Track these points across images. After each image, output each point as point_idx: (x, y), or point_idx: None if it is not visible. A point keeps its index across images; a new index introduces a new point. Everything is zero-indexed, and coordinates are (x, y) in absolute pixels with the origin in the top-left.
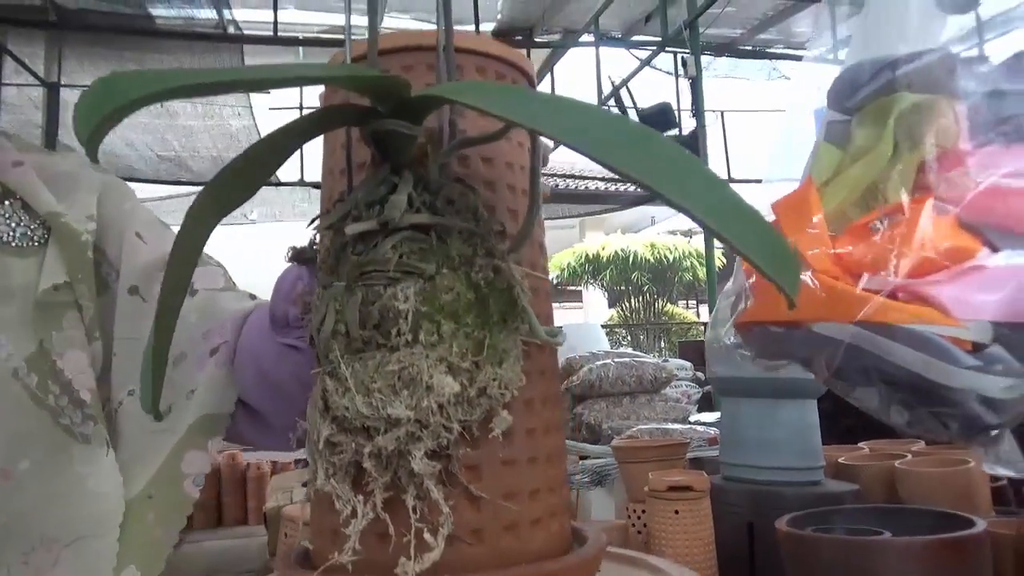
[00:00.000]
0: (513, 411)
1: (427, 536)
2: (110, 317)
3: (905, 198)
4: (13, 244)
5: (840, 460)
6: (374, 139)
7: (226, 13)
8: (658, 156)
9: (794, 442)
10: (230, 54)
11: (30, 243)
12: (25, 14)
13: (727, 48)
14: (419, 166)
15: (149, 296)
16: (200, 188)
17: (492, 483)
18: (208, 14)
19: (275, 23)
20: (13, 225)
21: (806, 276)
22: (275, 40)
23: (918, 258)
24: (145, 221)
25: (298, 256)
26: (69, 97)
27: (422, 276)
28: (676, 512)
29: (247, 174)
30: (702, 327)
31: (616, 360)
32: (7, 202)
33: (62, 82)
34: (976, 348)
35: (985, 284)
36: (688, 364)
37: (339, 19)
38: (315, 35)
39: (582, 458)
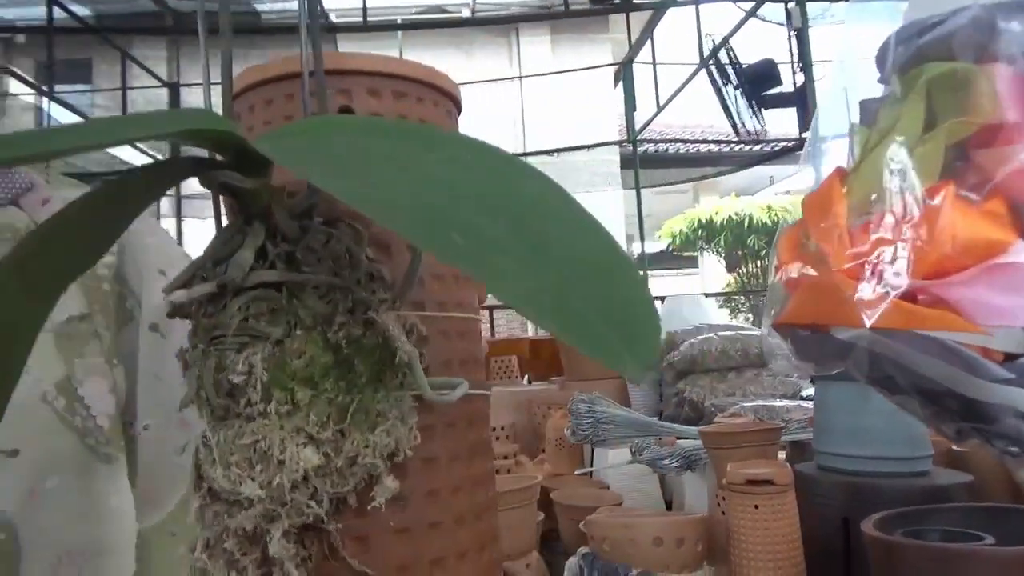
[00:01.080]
0: (408, 473)
1: None
2: (135, 348)
3: (921, 185)
4: None
5: (954, 447)
6: (224, 190)
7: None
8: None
9: (892, 429)
10: (324, 44)
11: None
12: (145, 21)
13: None
14: (273, 216)
15: (168, 333)
16: None
17: (381, 555)
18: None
19: (364, 9)
20: None
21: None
22: (366, 27)
23: (938, 254)
24: (169, 257)
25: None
26: (188, 97)
27: (269, 341)
28: (756, 507)
29: (93, 232)
30: None
31: (720, 333)
32: None
33: (181, 82)
34: (1010, 358)
35: (1016, 284)
36: None
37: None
38: (412, 17)
39: (679, 439)
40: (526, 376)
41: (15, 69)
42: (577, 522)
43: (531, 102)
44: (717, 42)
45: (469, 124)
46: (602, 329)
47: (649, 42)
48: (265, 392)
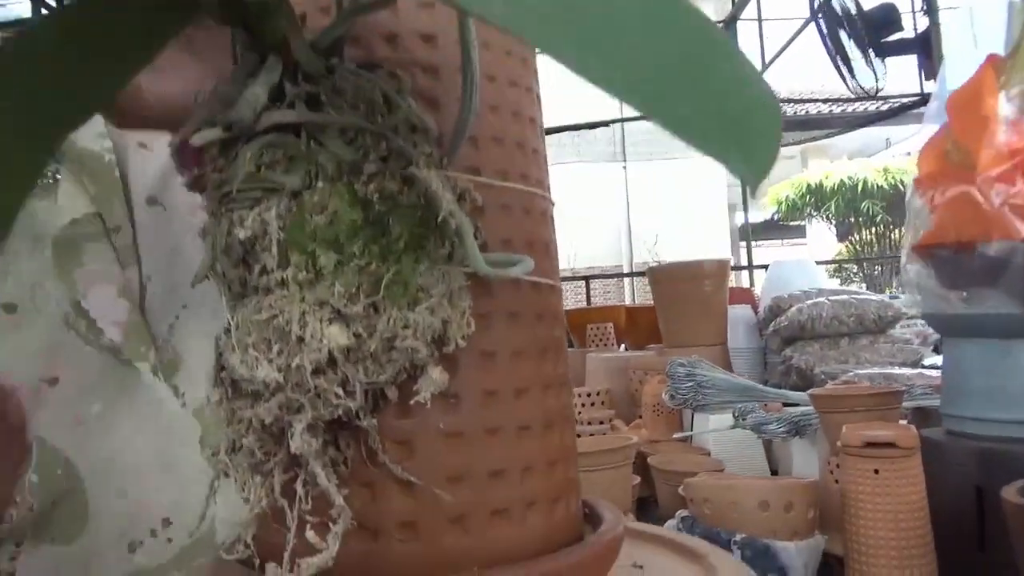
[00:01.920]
0: (460, 367)
1: (309, 535)
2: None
3: None
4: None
5: None
6: (232, 14)
7: None
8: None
9: None
10: None
11: (46, 180)
12: None
13: None
14: (292, 51)
15: (170, 204)
16: None
17: (428, 463)
18: None
19: None
20: None
21: (970, 188)
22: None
23: None
24: (144, 131)
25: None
26: None
27: (284, 193)
28: (876, 472)
29: (81, 69)
30: None
31: (831, 298)
32: None
33: None
34: None
35: None
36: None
37: None
38: None
39: (786, 405)
40: (623, 344)
41: None
42: (675, 487)
43: None
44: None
45: (560, 94)
46: (711, 117)
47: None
48: (282, 256)
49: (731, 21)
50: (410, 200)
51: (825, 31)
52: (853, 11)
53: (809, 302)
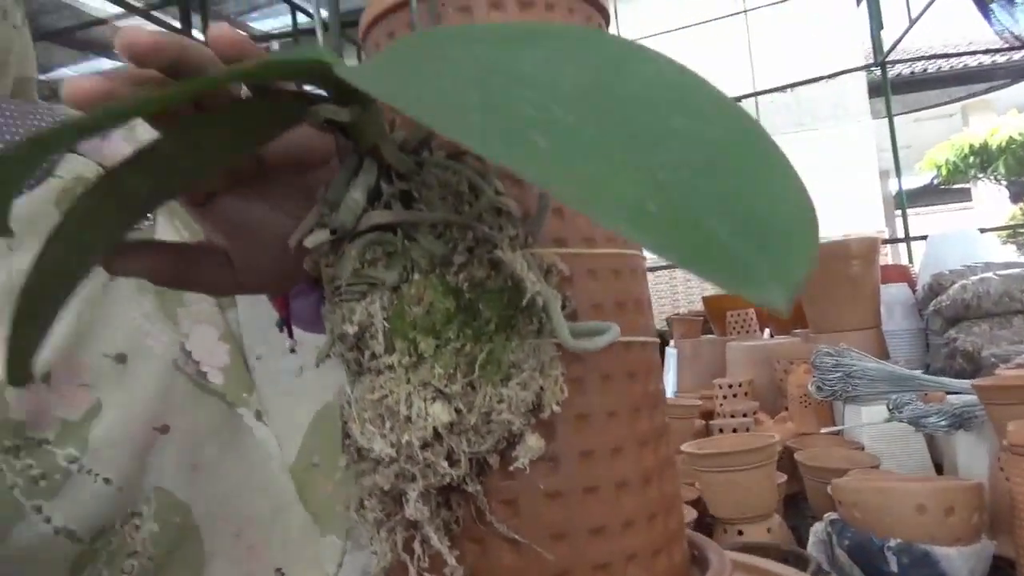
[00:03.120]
0: (557, 431)
1: None
2: None
3: None
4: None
5: None
6: (332, 128)
7: None
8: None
9: None
10: None
11: (146, 221)
12: None
13: None
14: (383, 152)
15: None
16: None
17: (533, 521)
18: None
19: None
20: None
21: None
22: None
23: None
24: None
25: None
26: None
27: (385, 287)
28: None
29: (184, 158)
30: None
31: (1000, 272)
32: None
33: None
34: None
35: None
36: None
37: None
38: None
39: (948, 394)
40: (766, 330)
41: None
42: (825, 485)
43: (759, 36)
44: None
45: (696, 68)
46: (729, 244)
47: None
48: (387, 343)
49: None
50: (497, 284)
51: None
52: None
53: (975, 278)
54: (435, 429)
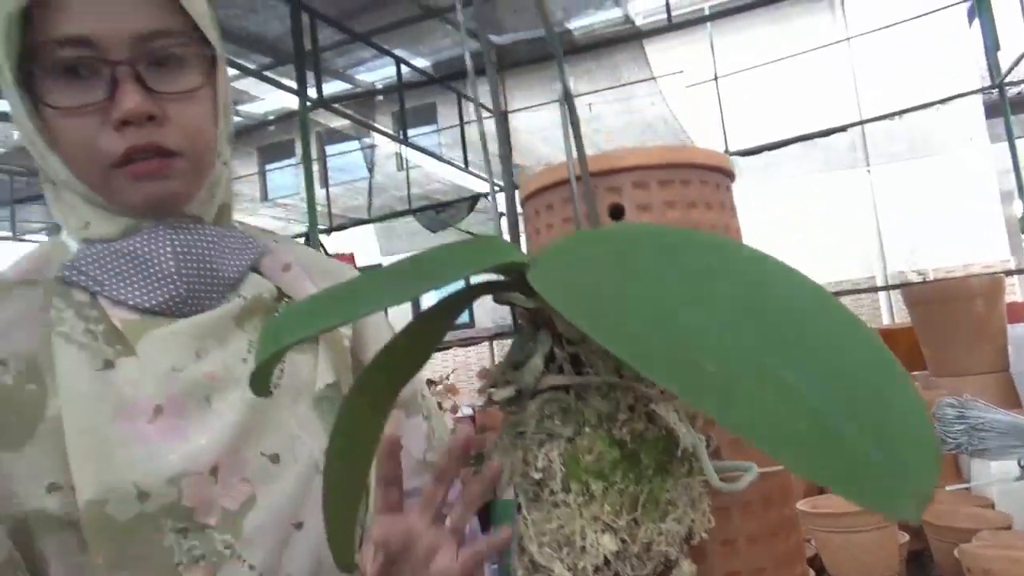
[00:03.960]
0: (706, 555)
1: None
2: None
3: None
4: None
5: None
6: (515, 306)
7: (629, 7)
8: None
9: None
10: (633, 52)
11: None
12: (473, 62)
13: None
14: (556, 324)
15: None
16: None
17: None
18: (614, 13)
19: (667, 4)
20: None
21: None
22: (671, 27)
23: None
24: (390, 331)
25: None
26: (515, 121)
27: (562, 438)
28: None
29: (413, 351)
30: None
31: None
32: (283, 302)
33: (508, 110)
34: None
35: None
36: None
37: None
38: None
39: None
40: None
41: (377, 125)
42: (952, 546)
43: (863, 63)
44: None
45: (792, 101)
46: (872, 469)
47: None
48: (564, 483)
49: None
50: (654, 434)
51: None
52: None
53: None
54: (605, 556)
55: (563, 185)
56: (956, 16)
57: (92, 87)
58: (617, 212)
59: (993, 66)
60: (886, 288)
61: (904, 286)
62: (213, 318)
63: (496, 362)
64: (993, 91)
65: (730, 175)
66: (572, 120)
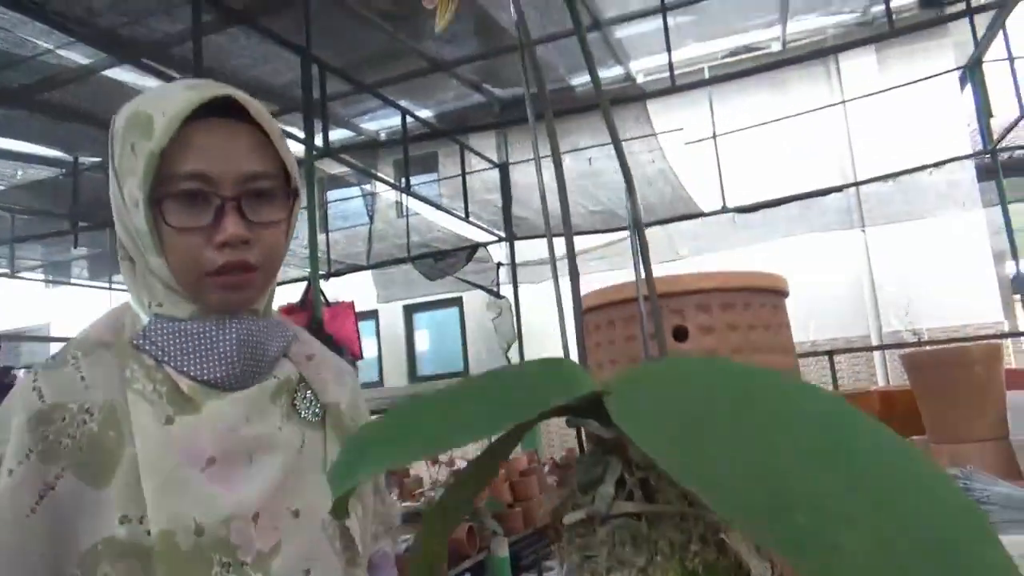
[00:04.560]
0: None
1: None
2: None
3: None
4: (307, 418)
5: None
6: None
7: (631, 65)
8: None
9: None
10: (636, 111)
11: (316, 418)
12: (477, 114)
13: None
14: (627, 449)
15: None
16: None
17: None
18: (616, 71)
19: (670, 65)
20: (307, 404)
21: None
22: (675, 89)
23: None
24: (366, 415)
25: None
26: (515, 174)
27: (634, 567)
28: None
29: (487, 467)
30: None
31: None
32: (305, 389)
33: (509, 161)
34: None
35: None
36: None
37: (744, 38)
38: (721, 62)
39: None
40: None
41: (380, 173)
42: None
43: (858, 126)
44: None
45: (789, 162)
46: None
47: (1001, 35)
48: None
49: (975, 65)
50: (724, 563)
51: None
52: None
53: None
54: None
55: (624, 304)
56: (949, 82)
57: (204, 212)
58: (681, 334)
59: (985, 132)
60: (880, 348)
61: (900, 346)
62: (257, 393)
63: None
64: (986, 156)
65: (785, 294)
66: (641, 244)
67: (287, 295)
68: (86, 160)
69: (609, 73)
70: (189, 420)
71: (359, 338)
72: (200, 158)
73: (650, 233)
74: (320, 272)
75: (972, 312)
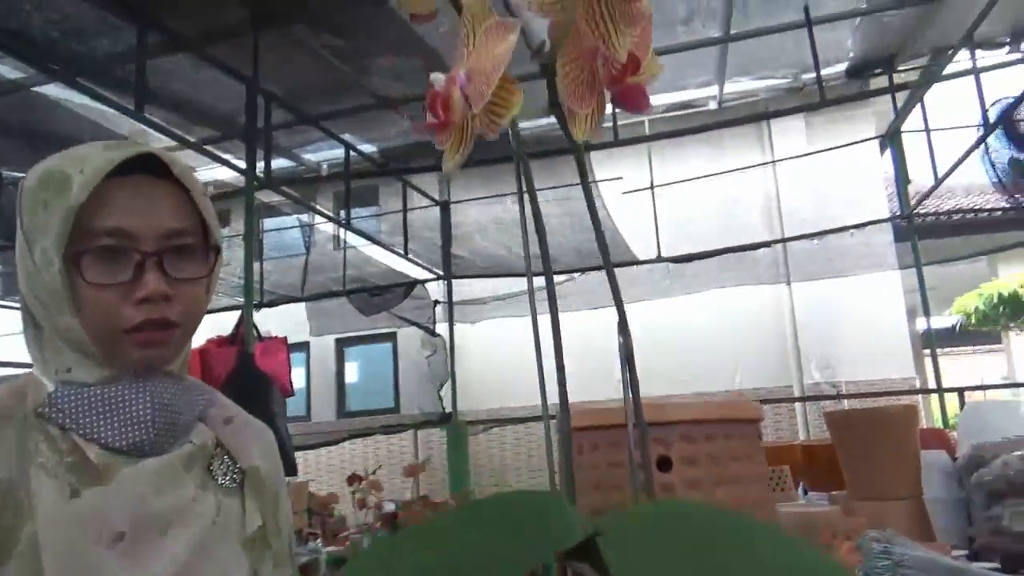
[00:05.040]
0: None
1: None
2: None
3: None
4: (225, 485)
5: None
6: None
7: None
8: None
9: None
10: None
11: (233, 484)
12: (420, 151)
13: None
14: None
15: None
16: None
17: None
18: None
19: (614, 116)
20: (224, 470)
21: None
22: (617, 143)
23: None
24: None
25: None
26: (456, 215)
27: None
28: None
29: None
30: None
31: None
32: (222, 454)
33: (451, 200)
34: None
35: None
36: None
37: (683, 95)
38: (659, 116)
39: None
40: (800, 484)
41: (319, 206)
42: None
43: (787, 187)
44: (1002, 104)
45: (722, 215)
46: None
47: (920, 108)
48: None
49: (894, 134)
50: None
51: (998, 148)
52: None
53: (1017, 454)
54: None
55: (612, 429)
56: (870, 147)
57: (123, 268)
58: (664, 464)
59: (902, 197)
60: (802, 399)
61: (820, 398)
62: (171, 461)
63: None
64: (903, 220)
65: (760, 421)
66: (632, 383)
67: (217, 326)
68: (10, 174)
69: (552, 120)
70: (97, 492)
71: (291, 374)
72: (120, 214)
73: (586, 279)
74: (253, 301)
75: (886, 367)
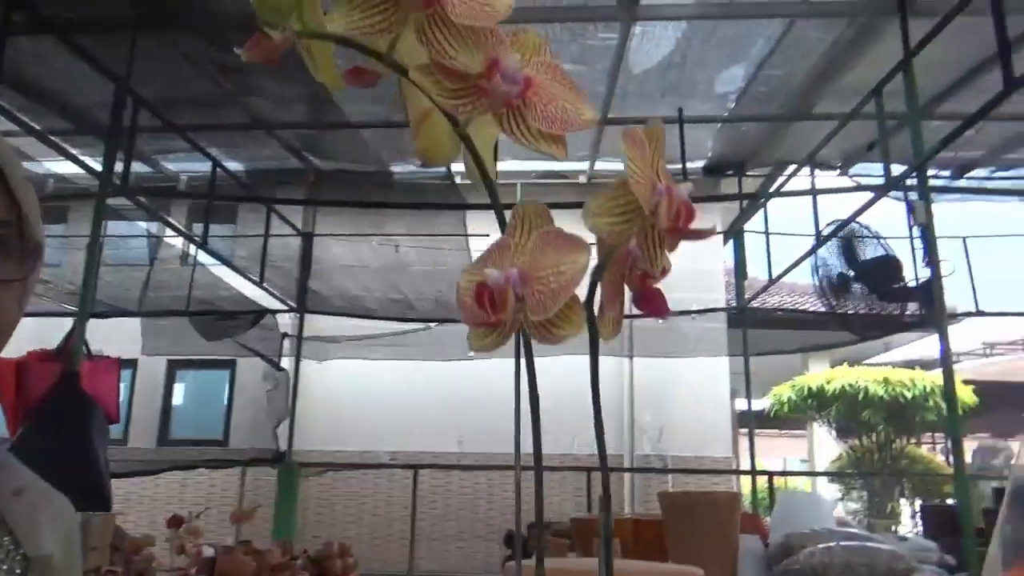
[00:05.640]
0: None
1: None
2: None
3: None
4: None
5: None
6: None
7: (452, 166)
8: None
9: None
10: (454, 218)
11: (16, 575)
12: (288, 177)
13: (967, 170)
14: None
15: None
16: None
17: None
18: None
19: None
20: (5, 556)
21: None
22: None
23: None
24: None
25: None
26: (318, 248)
27: None
28: None
29: None
30: (951, 479)
31: (843, 544)
32: (5, 534)
33: (315, 232)
34: None
35: None
36: (932, 545)
37: (556, 165)
38: (532, 181)
39: None
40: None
41: (170, 219)
42: None
43: None
44: (837, 224)
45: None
46: None
47: (763, 213)
48: None
49: (737, 233)
50: None
51: (828, 266)
52: (854, 257)
53: (821, 546)
54: None
55: None
56: (715, 239)
57: None
58: None
59: (739, 290)
60: (631, 470)
61: (649, 471)
62: None
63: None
64: (737, 311)
65: None
66: (606, 529)
67: (40, 336)
68: None
69: (431, 169)
70: None
71: (119, 398)
72: None
73: (447, 331)
74: (75, 309)
75: (708, 445)
